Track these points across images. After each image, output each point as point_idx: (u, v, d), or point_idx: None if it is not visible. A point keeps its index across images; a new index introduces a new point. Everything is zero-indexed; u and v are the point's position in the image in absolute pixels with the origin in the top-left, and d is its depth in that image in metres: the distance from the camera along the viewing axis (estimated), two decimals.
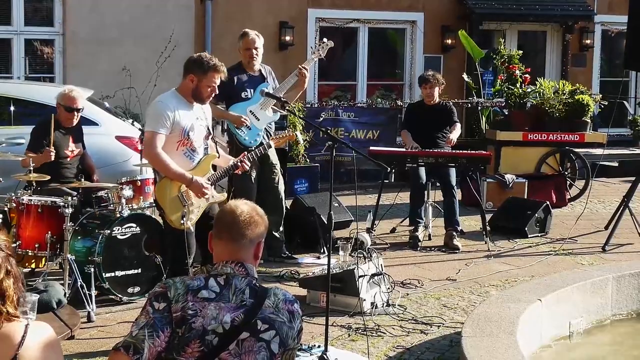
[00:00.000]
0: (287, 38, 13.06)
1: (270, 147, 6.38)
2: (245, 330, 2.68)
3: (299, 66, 7.24)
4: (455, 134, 8.51)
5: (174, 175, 5.27)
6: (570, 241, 8.49)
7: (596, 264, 7.56)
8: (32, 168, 6.22)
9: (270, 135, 7.37)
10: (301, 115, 10.02)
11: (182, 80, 5.41)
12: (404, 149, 8.60)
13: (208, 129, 5.55)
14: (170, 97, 5.36)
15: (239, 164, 5.69)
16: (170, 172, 5.26)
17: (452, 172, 8.42)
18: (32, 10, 12.20)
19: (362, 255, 6.24)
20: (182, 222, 5.23)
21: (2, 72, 12.11)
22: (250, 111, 7.14)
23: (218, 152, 5.66)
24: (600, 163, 11.76)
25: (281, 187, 7.49)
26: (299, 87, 7.26)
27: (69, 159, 6.79)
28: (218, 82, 5.39)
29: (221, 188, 6.02)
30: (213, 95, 5.45)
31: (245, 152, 5.96)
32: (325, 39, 7.39)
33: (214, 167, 5.64)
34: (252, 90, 7.15)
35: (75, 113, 6.76)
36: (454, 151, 8.48)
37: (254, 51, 7.17)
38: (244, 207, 2.88)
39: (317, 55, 7.38)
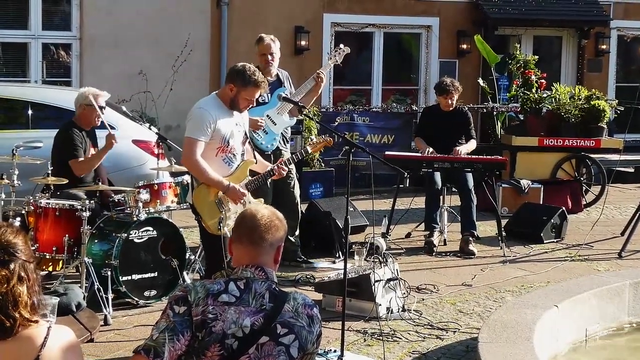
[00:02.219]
0: (303, 43, 13.10)
1: (308, 152, 6.39)
2: (264, 335, 2.69)
3: (317, 71, 7.25)
4: (467, 146, 8.38)
5: (211, 182, 5.28)
6: (586, 247, 8.46)
7: (612, 270, 7.52)
8: (50, 171, 6.25)
9: (286, 140, 7.40)
10: (317, 120, 10.03)
11: (224, 86, 5.46)
12: (419, 154, 8.57)
13: (245, 134, 5.56)
14: (211, 102, 5.37)
15: (276, 169, 5.71)
16: (208, 179, 5.28)
17: (470, 176, 8.38)
18: (49, 15, 12.28)
19: (377, 260, 6.25)
20: (218, 227, 5.25)
21: (20, 76, 12.21)
22: (268, 115, 7.16)
23: (255, 158, 5.68)
24: (617, 169, 11.71)
25: (297, 191, 7.50)
26: (314, 92, 7.27)
27: None
28: (257, 96, 5.44)
29: (258, 194, 5.98)
30: (250, 107, 5.49)
31: (282, 158, 5.97)
32: (341, 45, 7.40)
33: (252, 173, 5.63)
34: (269, 94, 7.17)
35: (102, 111, 6.77)
36: (469, 156, 8.45)
37: (269, 57, 7.17)
38: (265, 211, 2.90)
39: (333, 61, 7.39)
